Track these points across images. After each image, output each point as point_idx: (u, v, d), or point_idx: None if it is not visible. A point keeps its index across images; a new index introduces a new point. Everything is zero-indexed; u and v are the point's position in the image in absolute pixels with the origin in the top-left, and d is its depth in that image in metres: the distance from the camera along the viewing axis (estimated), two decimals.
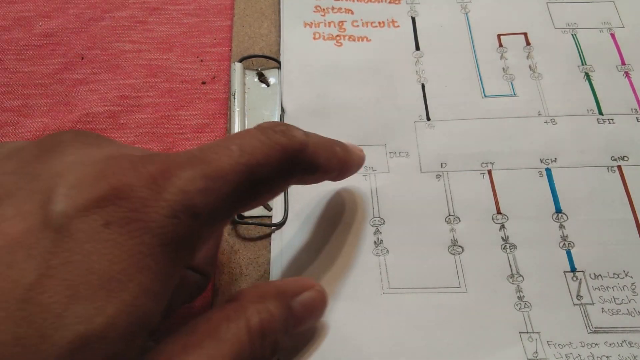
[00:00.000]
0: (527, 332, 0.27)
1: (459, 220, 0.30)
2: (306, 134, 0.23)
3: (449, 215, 0.30)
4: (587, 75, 0.34)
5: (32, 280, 0.16)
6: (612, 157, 0.31)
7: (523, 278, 0.28)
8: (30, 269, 0.16)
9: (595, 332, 0.27)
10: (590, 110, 0.33)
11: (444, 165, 0.31)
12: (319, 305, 0.25)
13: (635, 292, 0.27)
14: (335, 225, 0.30)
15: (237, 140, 0.20)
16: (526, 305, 0.27)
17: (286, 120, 0.33)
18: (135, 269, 0.17)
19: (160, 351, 0.19)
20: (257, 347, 0.21)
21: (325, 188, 0.31)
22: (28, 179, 0.18)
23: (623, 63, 0.34)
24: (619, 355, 0.26)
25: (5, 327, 0.15)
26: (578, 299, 0.27)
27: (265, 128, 0.22)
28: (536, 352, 0.26)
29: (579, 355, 0.26)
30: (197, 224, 0.18)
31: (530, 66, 0.35)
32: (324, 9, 0.37)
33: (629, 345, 0.26)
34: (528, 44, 0.36)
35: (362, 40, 0.36)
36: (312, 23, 0.37)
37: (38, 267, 0.16)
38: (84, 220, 0.16)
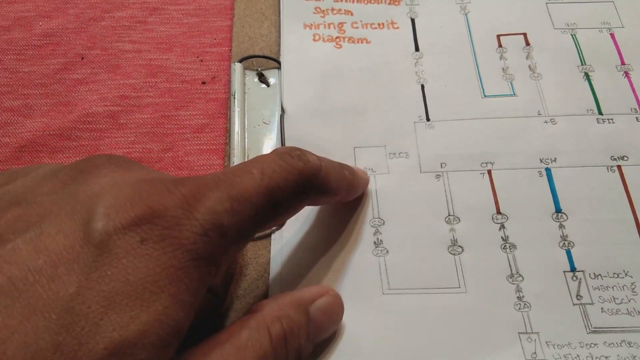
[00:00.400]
0: (526, 333, 0.27)
1: (459, 220, 0.30)
2: (319, 158, 0.25)
3: (449, 215, 0.30)
4: (587, 75, 0.34)
5: (73, 291, 0.17)
6: (612, 157, 0.31)
7: (523, 278, 0.28)
8: (72, 282, 0.17)
9: (594, 332, 0.27)
10: (590, 110, 0.33)
11: (443, 165, 0.31)
12: (336, 309, 0.26)
13: (635, 292, 0.27)
14: (335, 225, 0.30)
15: (257, 165, 0.22)
16: (526, 305, 0.27)
17: (286, 121, 0.33)
18: (168, 281, 0.18)
19: None
20: (280, 354, 0.22)
21: None
22: (67, 199, 0.19)
23: (623, 63, 0.34)
24: (618, 355, 0.26)
25: (46, 335, 0.16)
26: (578, 299, 0.27)
27: (282, 153, 0.23)
28: (535, 352, 0.26)
29: (578, 356, 0.26)
30: (224, 242, 0.20)
31: (529, 66, 0.35)
32: (323, 11, 0.38)
33: (628, 345, 0.26)
34: (527, 44, 0.36)
35: (362, 41, 0.36)
36: (311, 24, 0.37)
37: (78, 279, 0.17)
38: (122, 237, 0.18)
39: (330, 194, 0.26)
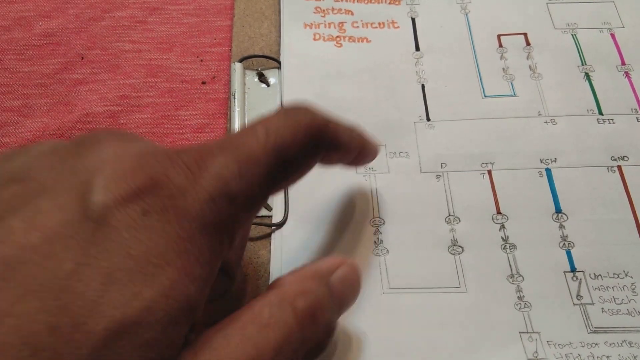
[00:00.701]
0: (527, 332, 0.27)
1: (459, 221, 0.30)
2: (327, 114, 0.23)
3: (449, 215, 0.30)
4: (587, 76, 0.34)
5: (69, 269, 0.16)
6: (612, 157, 0.31)
7: (523, 278, 0.28)
8: (68, 259, 0.16)
9: (595, 332, 0.27)
10: (590, 110, 0.33)
11: (444, 165, 0.31)
12: (355, 278, 0.24)
13: (635, 292, 0.27)
14: (336, 225, 0.30)
15: (262, 124, 0.21)
16: (526, 305, 0.27)
17: None
18: (174, 253, 0.17)
19: (200, 342, 0.18)
20: (308, 330, 0.20)
21: (326, 188, 0.31)
22: (66, 174, 0.18)
23: (623, 63, 0.34)
24: (619, 355, 0.26)
25: (40, 317, 0.15)
26: (578, 299, 0.27)
27: (287, 109, 0.22)
28: (536, 351, 0.26)
29: (579, 355, 0.26)
30: (234, 208, 0.19)
31: (530, 66, 0.35)
32: (324, 10, 0.38)
33: (629, 345, 0.26)
34: (528, 44, 0.36)
35: (362, 41, 0.36)
36: (312, 24, 0.37)
37: (75, 256, 0.16)
38: (123, 210, 0.17)
39: (341, 149, 0.24)
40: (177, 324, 0.17)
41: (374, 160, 0.32)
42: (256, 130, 0.20)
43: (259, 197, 0.20)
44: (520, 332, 0.27)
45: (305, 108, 0.22)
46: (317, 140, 0.22)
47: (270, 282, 0.29)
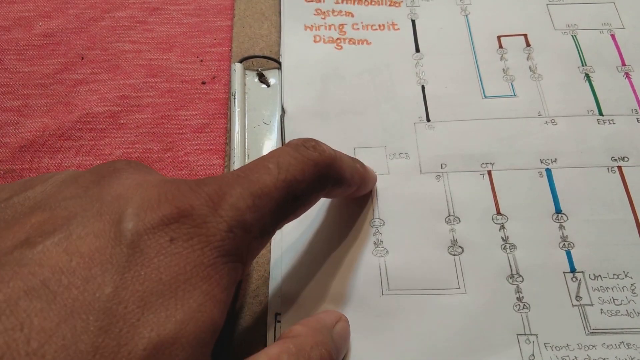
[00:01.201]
0: (525, 334, 0.27)
1: (459, 221, 0.30)
2: (333, 150, 0.25)
3: (449, 215, 0.30)
4: (587, 76, 0.34)
5: (109, 292, 0.17)
6: (613, 157, 0.31)
7: (523, 279, 0.28)
8: (107, 283, 0.17)
9: (593, 333, 0.26)
10: (591, 111, 0.33)
11: (444, 166, 0.31)
12: (348, 332, 0.27)
13: (635, 293, 0.27)
14: (336, 226, 0.30)
15: (274, 159, 0.22)
16: (525, 307, 0.27)
17: (286, 121, 0.33)
18: (199, 278, 0.18)
19: None
20: None
21: None
22: (92, 201, 0.19)
23: (623, 64, 0.34)
24: (616, 357, 0.26)
25: (85, 337, 0.16)
26: (577, 300, 0.27)
27: (297, 145, 0.24)
28: (533, 354, 0.26)
29: (576, 358, 0.26)
30: (248, 238, 0.20)
31: (530, 67, 0.35)
32: (324, 12, 0.38)
33: (626, 347, 0.26)
34: (528, 45, 0.36)
35: (362, 43, 0.36)
36: (312, 26, 0.37)
37: (113, 280, 0.17)
38: (153, 236, 0.18)
39: (344, 184, 0.26)
40: (204, 345, 0.18)
41: (374, 162, 0.32)
42: (268, 165, 0.22)
43: (270, 228, 0.22)
44: (517, 334, 0.27)
45: (314, 143, 0.24)
46: (324, 176, 0.24)
47: (270, 283, 0.29)
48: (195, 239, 0.19)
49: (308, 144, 0.24)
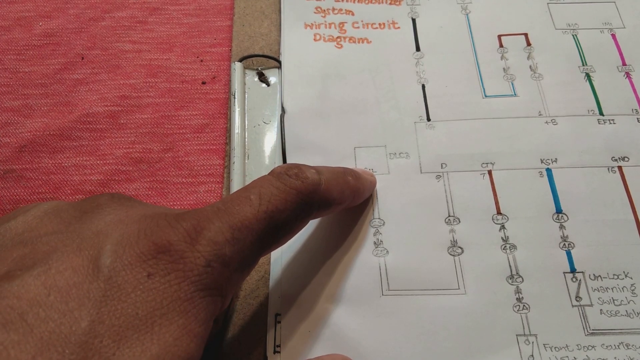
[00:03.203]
0: (524, 335, 0.27)
1: (459, 221, 0.30)
2: (318, 171, 0.25)
3: (449, 216, 0.30)
4: (588, 76, 0.34)
5: (85, 326, 0.17)
6: (613, 157, 0.31)
7: (523, 279, 0.28)
8: (83, 317, 0.17)
9: (592, 334, 0.26)
10: (591, 110, 0.33)
11: (444, 165, 0.31)
12: None
13: (635, 293, 0.27)
14: (336, 226, 0.30)
15: (255, 190, 0.22)
16: (525, 307, 0.27)
17: (286, 121, 0.33)
18: (176, 312, 0.19)
19: None
20: None
21: None
22: (73, 237, 0.20)
23: (624, 64, 0.34)
24: (615, 357, 0.26)
25: None
26: (577, 300, 0.27)
27: (279, 174, 0.24)
28: (532, 355, 0.26)
29: (575, 358, 0.26)
30: (227, 271, 0.20)
31: (530, 66, 0.35)
32: (324, 10, 0.37)
33: (626, 348, 0.26)
34: (529, 44, 0.36)
35: (363, 41, 0.36)
36: (312, 24, 0.37)
37: (90, 314, 0.17)
38: (130, 272, 0.18)
39: (333, 205, 0.26)
40: None
41: (374, 161, 0.32)
42: (249, 197, 0.22)
43: (250, 260, 0.22)
44: (517, 335, 0.27)
45: (297, 171, 0.24)
46: (308, 204, 0.24)
47: (270, 284, 0.29)
48: (172, 274, 0.19)
49: (291, 172, 0.24)
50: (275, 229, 0.22)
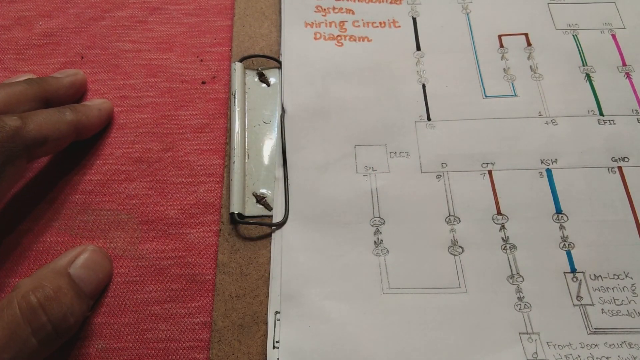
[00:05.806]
0: (527, 333, 0.27)
1: (459, 221, 0.30)
2: (21, 116, 0.27)
3: (449, 215, 0.30)
4: (588, 76, 0.34)
5: None
6: (613, 158, 0.31)
7: (523, 279, 0.28)
8: None
9: (595, 333, 0.27)
10: (591, 111, 0.33)
11: (444, 165, 0.31)
12: (98, 261, 0.28)
13: (635, 293, 0.27)
14: (335, 225, 0.30)
15: None
16: (526, 306, 0.27)
17: (287, 120, 0.33)
18: None
19: None
20: (36, 321, 0.24)
21: (326, 188, 0.31)
22: None
23: (624, 64, 0.34)
24: (618, 356, 0.26)
25: None
26: (578, 300, 0.27)
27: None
28: (536, 352, 0.26)
29: (579, 356, 0.26)
30: None
31: (531, 67, 0.35)
32: (325, 9, 0.37)
33: (628, 347, 0.26)
34: (529, 44, 0.36)
35: (363, 40, 0.36)
36: (313, 23, 0.37)
37: None
38: None
39: (49, 141, 0.28)
40: None
41: (374, 160, 0.32)
42: None
43: None
44: (520, 333, 0.27)
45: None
46: (9, 148, 0.26)
47: (270, 283, 0.29)
48: None
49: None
50: None
